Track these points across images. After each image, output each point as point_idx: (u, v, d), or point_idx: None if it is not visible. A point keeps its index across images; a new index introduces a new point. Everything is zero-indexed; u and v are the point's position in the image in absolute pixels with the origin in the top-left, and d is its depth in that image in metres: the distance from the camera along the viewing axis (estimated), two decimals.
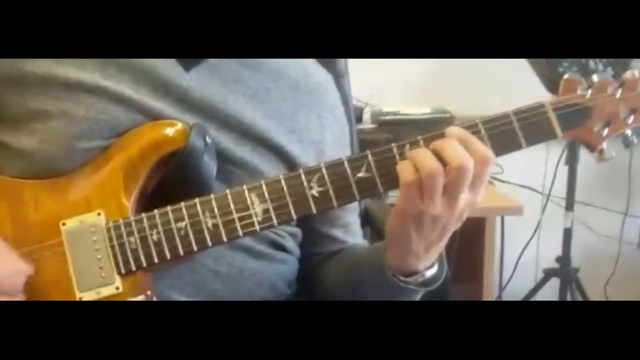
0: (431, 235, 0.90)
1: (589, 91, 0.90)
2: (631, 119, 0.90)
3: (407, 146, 0.90)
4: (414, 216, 0.88)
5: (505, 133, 0.89)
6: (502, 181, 2.39)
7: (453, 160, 0.86)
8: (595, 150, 0.92)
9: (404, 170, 0.88)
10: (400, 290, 0.96)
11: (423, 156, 0.87)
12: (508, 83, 2.31)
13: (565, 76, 0.91)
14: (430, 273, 0.96)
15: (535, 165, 2.54)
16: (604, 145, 0.91)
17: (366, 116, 2.36)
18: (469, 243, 2.08)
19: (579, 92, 0.90)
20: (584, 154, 2.27)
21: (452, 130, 0.89)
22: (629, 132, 0.91)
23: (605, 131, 0.90)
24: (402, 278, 0.95)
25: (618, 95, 0.90)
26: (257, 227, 0.91)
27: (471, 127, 0.90)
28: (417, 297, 0.98)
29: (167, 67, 0.99)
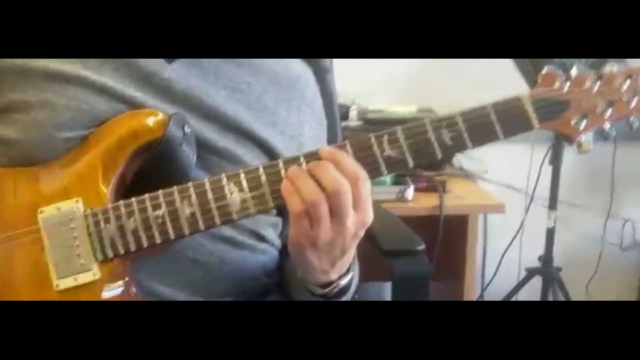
0: (332, 255, 0.91)
1: (567, 84, 0.91)
2: (608, 112, 0.90)
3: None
4: (309, 243, 0.89)
5: (483, 125, 0.90)
6: (485, 179, 2.40)
7: (328, 185, 0.86)
8: (572, 143, 0.92)
9: (293, 202, 0.88)
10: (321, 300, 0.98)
11: (304, 184, 0.87)
12: (493, 83, 2.29)
13: (544, 70, 0.91)
14: (344, 281, 0.97)
15: (520, 165, 2.55)
16: (583, 137, 0.92)
17: (352, 114, 2.37)
18: (452, 240, 2.09)
19: (556, 85, 0.91)
20: (567, 155, 2.28)
21: (324, 152, 0.89)
22: (607, 125, 0.92)
23: (583, 124, 0.91)
24: (319, 291, 0.96)
25: (595, 89, 0.91)
26: (235, 216, 0.91)
27: (449, 118, 0.90)
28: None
29: (149, 59, 0.99)
